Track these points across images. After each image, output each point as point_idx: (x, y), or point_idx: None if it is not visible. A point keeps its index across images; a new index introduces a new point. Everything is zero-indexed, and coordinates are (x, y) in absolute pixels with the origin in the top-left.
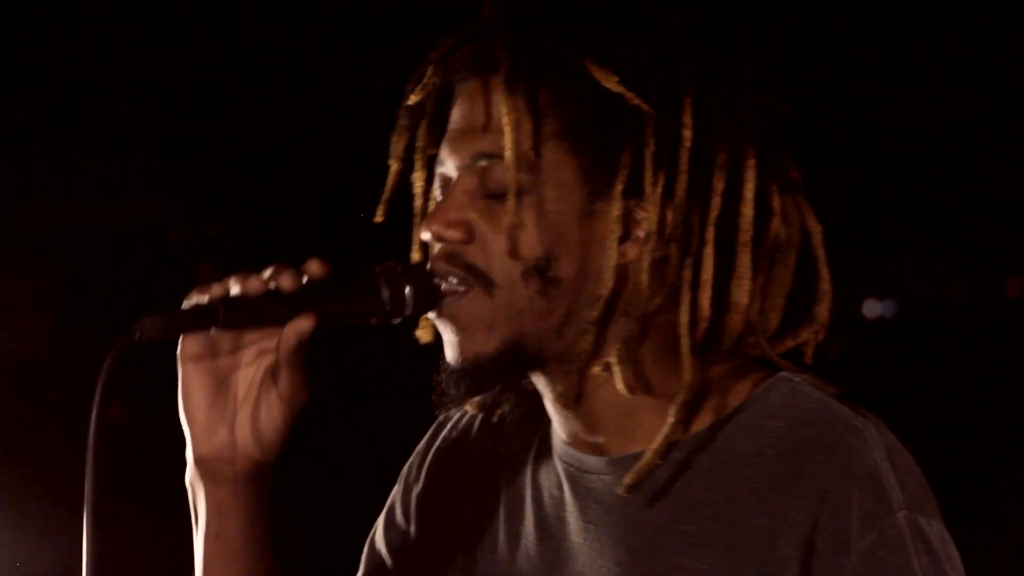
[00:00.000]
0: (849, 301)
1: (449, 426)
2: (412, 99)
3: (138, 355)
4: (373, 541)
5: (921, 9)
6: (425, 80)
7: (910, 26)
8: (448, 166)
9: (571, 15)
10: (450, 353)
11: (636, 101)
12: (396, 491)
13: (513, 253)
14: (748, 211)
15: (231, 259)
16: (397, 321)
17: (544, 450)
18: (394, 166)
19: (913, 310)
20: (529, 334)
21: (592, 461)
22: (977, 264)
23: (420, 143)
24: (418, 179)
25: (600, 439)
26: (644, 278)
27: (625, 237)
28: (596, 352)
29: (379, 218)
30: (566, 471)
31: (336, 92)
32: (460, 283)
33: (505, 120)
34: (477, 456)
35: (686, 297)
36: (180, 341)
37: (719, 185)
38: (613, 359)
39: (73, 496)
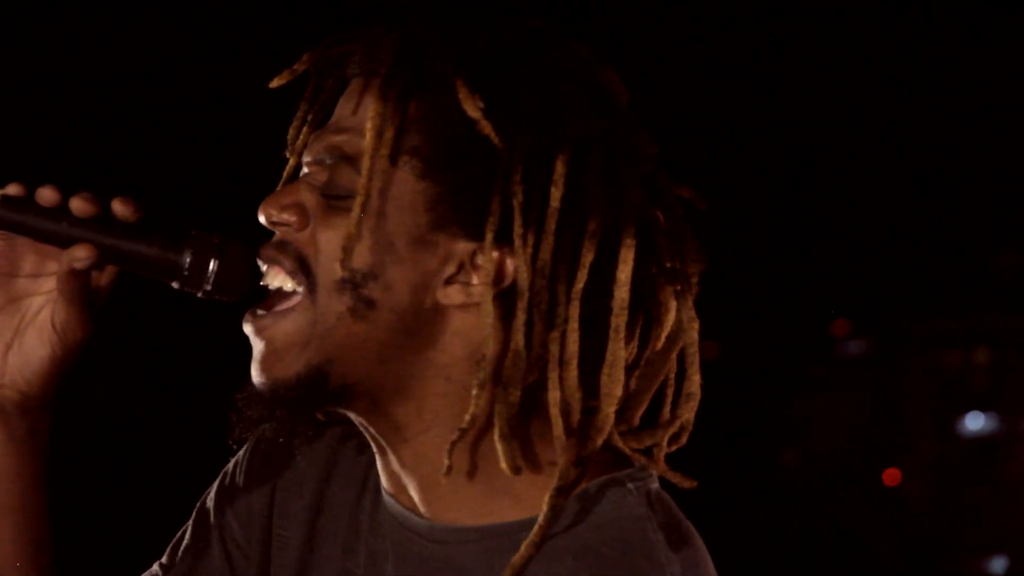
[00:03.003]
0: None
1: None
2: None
3: None
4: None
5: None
6: (314, 69)
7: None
8: (305, 157)
9: (472, 36)
10: (254, 372)
11: (488, 131)
12: (218, 490)
13: (339, 259)
14: (622, 294)
15: None
16: (200, 295)
17: (375, 484)
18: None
19: None
20: (335, 360)
21: (415, 521)
22: None
23: (292, 137)
24: (288, 171)
25: (417, 497)
26: (519, 339)
27: (452, 279)
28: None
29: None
30: (390, 523)
31: None
32: (288, 277)
33: (369, 124)
34: (317, 471)
35: (554, 374)
36: None
37: (588, 256)
38: (496, 435)
39: None
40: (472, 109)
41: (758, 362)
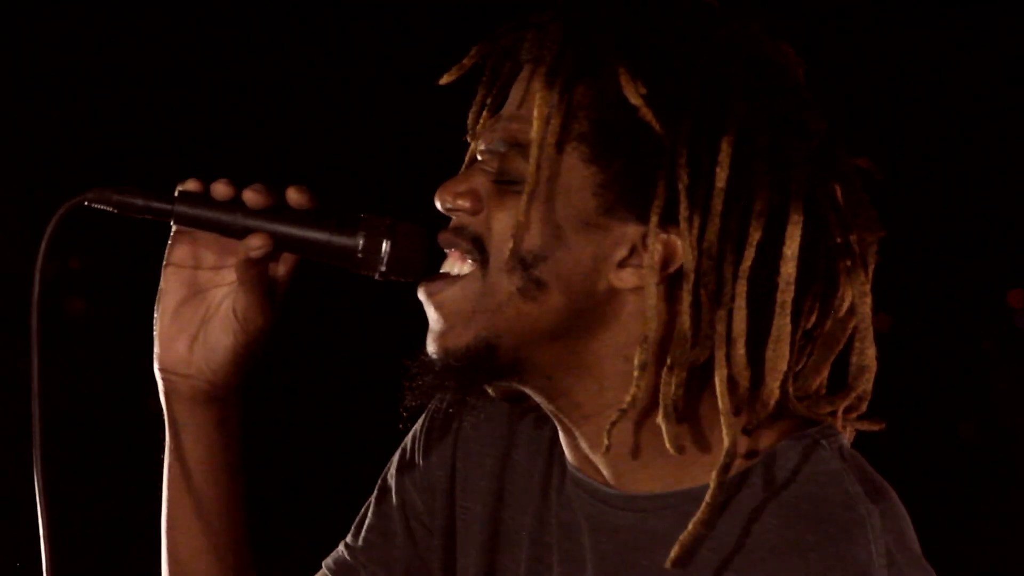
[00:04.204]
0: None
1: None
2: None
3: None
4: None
5: None
6: (487, 58)
7: None
8: (479, 145)
9: (636, 19)
10: (428, 340)
11: (649, 118)
12: (401, 458)
13: (512, 241)
14: (789, 269)
15: (101, 290)
16: (377, 277)
17: (560, 457)
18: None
19: None
20: (505, 335)
21: (606, 492)
22: None
23: (471, 122)
24: (469, 155)
25: (605, 470)
26: (686, 320)
27: (625, 262)
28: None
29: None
30: (579, 495)
31: None
32: (464, 255)
33: (536, 113)
34: (497, 443)
35: (720, 352)
36: (168, 244)
37: (755, 235)
38: (660, 415)
39: None
40: (633, 96)
41: (933, 334)
